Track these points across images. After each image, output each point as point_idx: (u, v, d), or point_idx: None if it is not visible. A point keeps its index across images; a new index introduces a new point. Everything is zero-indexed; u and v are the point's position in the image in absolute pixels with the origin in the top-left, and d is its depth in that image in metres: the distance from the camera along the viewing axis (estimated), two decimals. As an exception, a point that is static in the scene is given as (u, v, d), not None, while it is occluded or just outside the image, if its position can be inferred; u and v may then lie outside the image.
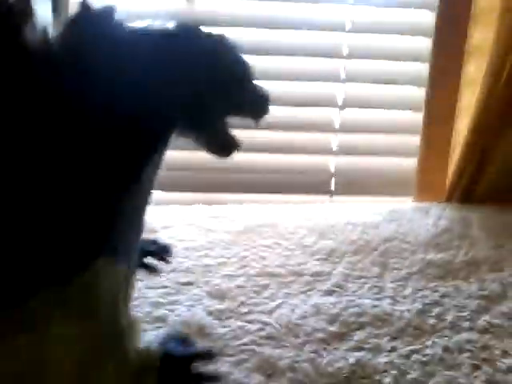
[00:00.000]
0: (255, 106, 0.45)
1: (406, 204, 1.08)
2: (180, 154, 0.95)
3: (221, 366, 0.57)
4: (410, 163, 1.12)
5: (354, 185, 1.13)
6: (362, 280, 0.78)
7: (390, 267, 0.81)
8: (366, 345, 0.63)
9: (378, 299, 0.73)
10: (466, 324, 0.68)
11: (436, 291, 0.75)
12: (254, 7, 1.02)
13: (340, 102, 1.07)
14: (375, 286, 0.76)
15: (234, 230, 0.91)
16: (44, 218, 0.35)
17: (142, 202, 0.41)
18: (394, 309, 0.70)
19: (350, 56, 1.05)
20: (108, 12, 0.38)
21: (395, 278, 0.79)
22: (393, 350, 0.63)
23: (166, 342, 0.46)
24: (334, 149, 1.10)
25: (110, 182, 0.36)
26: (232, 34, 0.51)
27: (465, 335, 0.66)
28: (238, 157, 0.55)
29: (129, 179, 0.37)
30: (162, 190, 1.03)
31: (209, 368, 0.55)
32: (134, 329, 0.41)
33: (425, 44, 1.06)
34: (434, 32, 1.04)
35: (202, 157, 0.54)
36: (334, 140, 1.09)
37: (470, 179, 1.07)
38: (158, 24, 0.42)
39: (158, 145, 0.40)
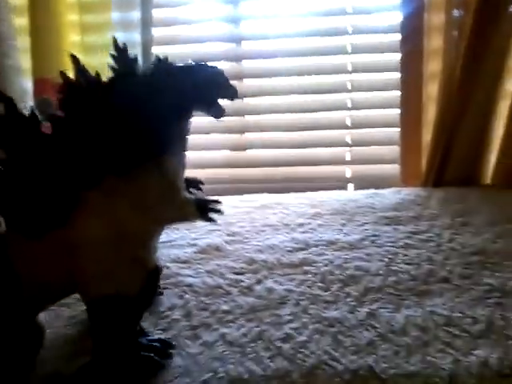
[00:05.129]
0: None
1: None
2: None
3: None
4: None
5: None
6: (331, 227, 1.16)
7: (353, 220, 1.19)
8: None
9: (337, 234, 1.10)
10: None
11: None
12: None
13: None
14: (337, 229, 1.14)
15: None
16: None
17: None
18: (346, 238, 1.08)
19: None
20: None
21: (354, 225, 1.15)
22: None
23: None
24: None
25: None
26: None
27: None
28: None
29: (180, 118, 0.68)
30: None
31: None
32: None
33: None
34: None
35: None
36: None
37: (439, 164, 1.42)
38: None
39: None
